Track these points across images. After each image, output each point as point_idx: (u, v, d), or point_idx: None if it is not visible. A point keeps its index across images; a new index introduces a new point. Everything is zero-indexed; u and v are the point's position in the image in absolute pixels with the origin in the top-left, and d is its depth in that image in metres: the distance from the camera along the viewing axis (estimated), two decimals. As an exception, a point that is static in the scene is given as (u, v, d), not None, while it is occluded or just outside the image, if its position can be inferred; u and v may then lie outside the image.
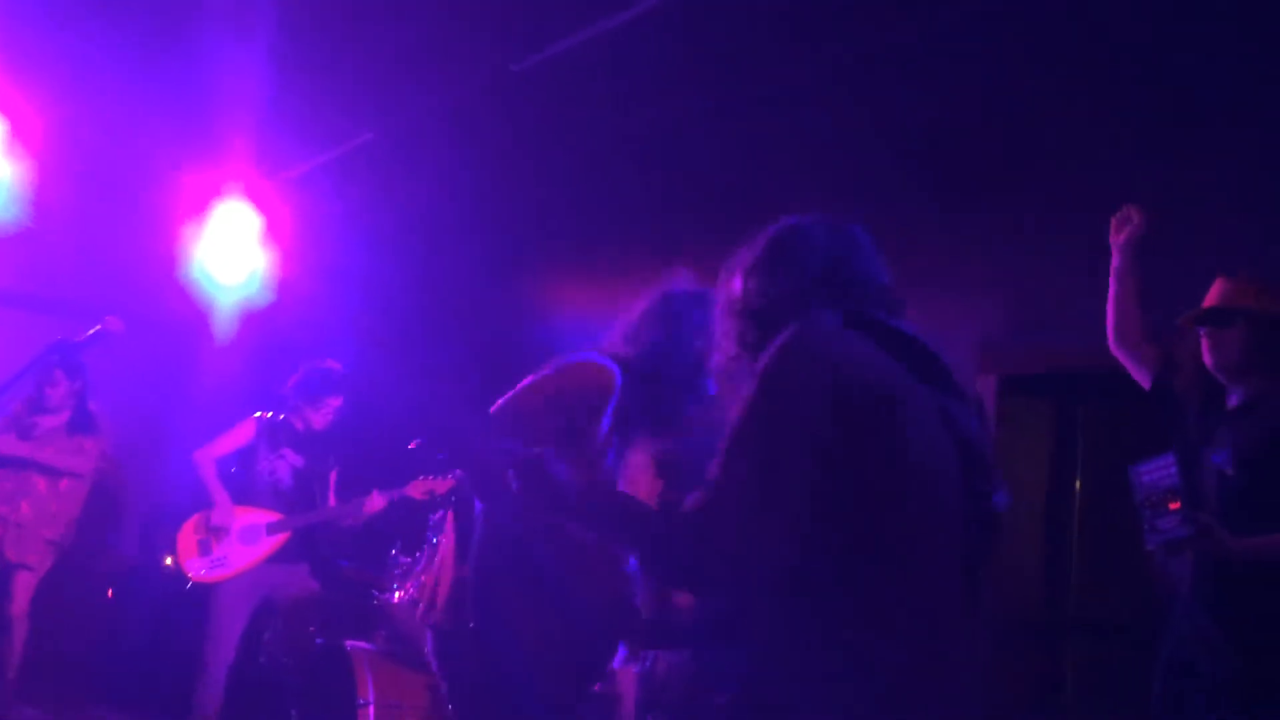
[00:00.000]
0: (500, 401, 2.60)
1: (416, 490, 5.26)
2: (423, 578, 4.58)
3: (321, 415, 5.52)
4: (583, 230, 6.12)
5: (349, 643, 4.84)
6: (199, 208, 6.65)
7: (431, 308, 6.74)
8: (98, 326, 4.06)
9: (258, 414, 5.60)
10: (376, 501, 5.31)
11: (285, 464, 5.49)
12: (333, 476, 5.62)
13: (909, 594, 1.64)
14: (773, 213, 2.02)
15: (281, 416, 5.56)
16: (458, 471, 5.11)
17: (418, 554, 4.82)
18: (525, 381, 2.65)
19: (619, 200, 5.80)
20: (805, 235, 2.00)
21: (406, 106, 5.84)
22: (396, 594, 4.91)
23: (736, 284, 2.00)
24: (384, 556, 5.20)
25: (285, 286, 7.02)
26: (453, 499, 4.66)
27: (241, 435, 5.55)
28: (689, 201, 5.43)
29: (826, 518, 1.64)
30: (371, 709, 4.52)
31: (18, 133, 5.94)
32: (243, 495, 5.45)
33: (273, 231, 6.90)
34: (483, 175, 6.22)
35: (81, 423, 5.82)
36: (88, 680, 6.38)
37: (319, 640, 5.05)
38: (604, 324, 6.12)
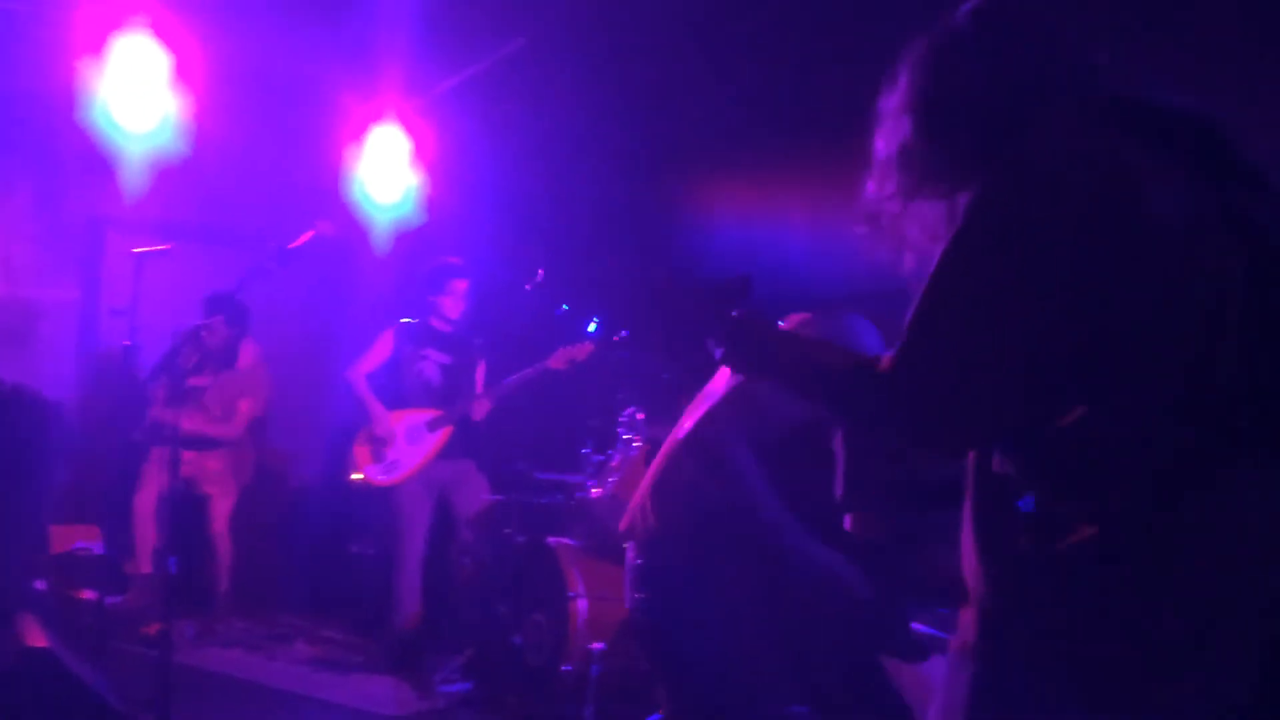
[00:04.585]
0: None
1: (559, 361, 5.41)
2: (616, 481, 4.70)
3: (453, 301, 5.70)
4: (730, 131, 6.09)
5: (551, 539, 4.99)
6: (357, 131, 6.77)
7: (580, 218, 6.79)
8: (311, 232, 4.19)
9: (397, 322, 5.83)
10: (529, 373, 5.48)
11: (431, 363, 5.73)
12: (480, 369, 5.83)
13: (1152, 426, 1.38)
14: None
15: (418, 321, 5.77)
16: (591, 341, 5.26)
17: (610, 451, 4.94)
18: None
19: (771, 97, 5.74)
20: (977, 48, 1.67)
21: (550, 10, 5.85)
22: (594, 490, 5.05)
23: (905, 125, 1.70)
24: (576, 457, 5.33)
25: (435, 204, 7.13)
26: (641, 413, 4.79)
27: (384, 347, 5.80)
28: (839, 98, 5.35)
29: (1057, 360, 1.41)
30: (582, 601, 4.66)
31: (181, 67, 6.07)
32: (397, 401, 5.70)
33: (421, 152, 7.00)
34: (625, 80, 6.22)
35: (234, 380, 6.10)
36: (286, 593, 6.70)
37: (519, 539, 5.21)
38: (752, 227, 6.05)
